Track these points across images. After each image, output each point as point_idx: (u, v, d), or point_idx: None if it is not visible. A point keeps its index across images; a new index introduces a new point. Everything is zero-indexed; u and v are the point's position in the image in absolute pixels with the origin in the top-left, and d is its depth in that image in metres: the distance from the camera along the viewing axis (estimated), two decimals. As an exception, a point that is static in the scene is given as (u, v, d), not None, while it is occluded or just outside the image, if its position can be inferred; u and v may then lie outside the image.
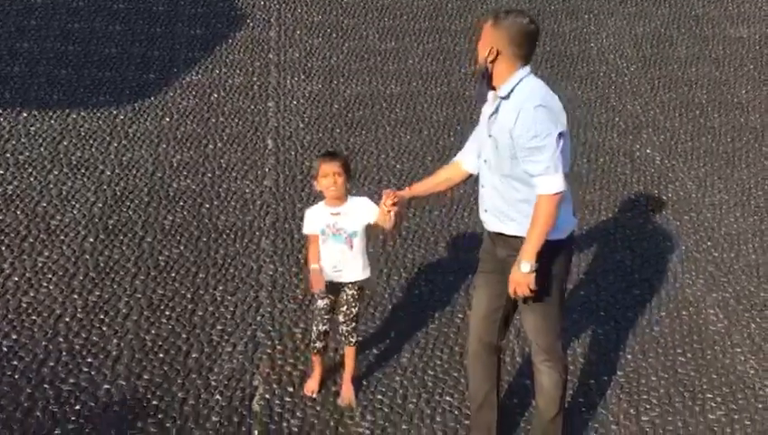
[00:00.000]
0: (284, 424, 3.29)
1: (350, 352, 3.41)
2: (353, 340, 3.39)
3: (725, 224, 4.89)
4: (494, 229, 2.98)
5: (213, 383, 3.46)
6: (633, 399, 3.59)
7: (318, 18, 6.42)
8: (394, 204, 3.15)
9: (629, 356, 3.84)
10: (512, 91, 2.83)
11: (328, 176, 3.26)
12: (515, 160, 2.83)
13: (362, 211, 3.31)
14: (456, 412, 3.43)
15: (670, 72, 6.32)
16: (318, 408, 3.39)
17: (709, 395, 3.63)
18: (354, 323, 3.37)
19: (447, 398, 3.51)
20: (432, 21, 6.59)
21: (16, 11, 5.99)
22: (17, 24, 5.87)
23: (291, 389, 3.48)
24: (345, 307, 3.36)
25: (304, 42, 6.21)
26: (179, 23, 6.19)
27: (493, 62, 2.83)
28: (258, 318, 3.89)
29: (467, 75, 6.07)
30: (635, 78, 6.22)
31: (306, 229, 3.37)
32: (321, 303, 3.35)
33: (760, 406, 3.58)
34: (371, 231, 3.41)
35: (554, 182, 2.79)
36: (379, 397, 3.48)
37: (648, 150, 5.52)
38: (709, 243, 4.72)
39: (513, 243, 2.90)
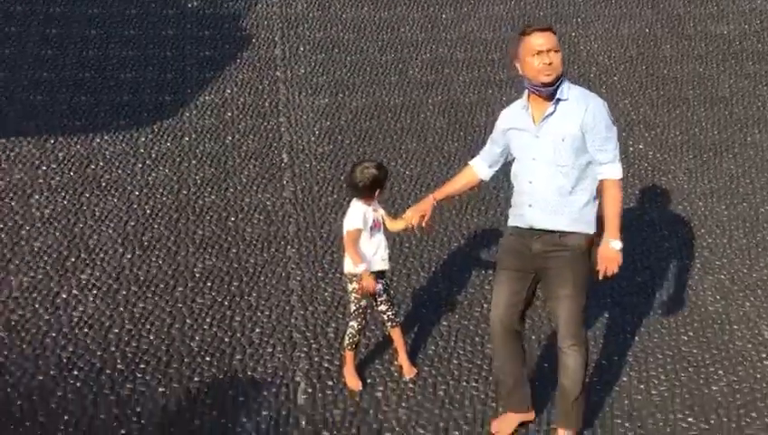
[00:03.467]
0: (327, 414, 3.59)
1: (397, 332, 3.78)
2: (399, 320, 3.82)
3: (716, 211, 5.23)
4: (539, 225, 3.30)
5: (259, 381, 3.76)
6: (642, 376, 3.91)
7: (320, 35, 6.73)
8: (422, 217, 3.54)
9: (637, 338, 4.17)
10: (568, 93, 3.26)
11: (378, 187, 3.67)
12: (579, 153, 3.23)
13: (378, 208, 3.75)
14: (483, 396, 3.74)
15: (657, 70, 6.67)
16: (357, 398, 3.69)
17: (711, 369, 3.96)
18: (395, 306, 3.80)
19: (473, 383, 3.82)
20: (428, 32, 6.91)
21: (33, 42, 6.26)
22: (35, 55, 6.14)
23: (330, 382, 3.78)
24: (385, 295, 3.71)
25: (309, 58, 6.52)
26: (188, 45, 6.47)
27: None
28: (292, 321, 4.19)
29: (465, 84, 6.39)
30: (624, 78, 6.56)
31: (355, 224, 3.63)
32: (365, 302, 3.69)
33: (758, 376, 3.91)
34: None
35: (620, 169, 3.28)
36: (411, 386, 3.79)
37: (640, 146, 5.86)
38: (702, 230, 5.06)
39: (555, 238, 3.24)
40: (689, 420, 3.60)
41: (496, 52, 6.68)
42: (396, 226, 3.73)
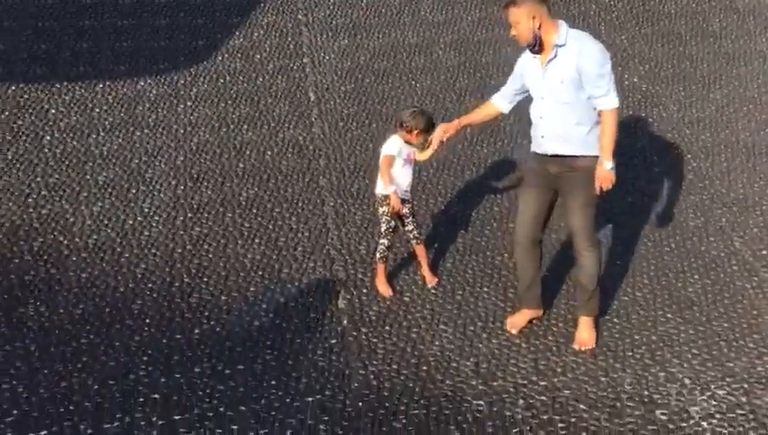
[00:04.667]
0: (364, 315, 4.29)
1: (421, 249, 4.47)
2: (422, 238, 4.52)
3: (702, 139, 5.82)
4: (552, 151, 3.92)
5: (305, 290, 4.45)
6: (629, 281, 4.59)
7: (337, -22, 7.17)
8: (448, 135, 4.16)
9: (627, 249, 4.83)
10: (566, 38, 3.80)
11: (420, 140, 4.28)
12: (579, 90, 3.79)
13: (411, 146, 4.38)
14: (494, 299, 4.42)
15: (652, 6, 7.12)
16: (388, 302, 4.39)
17: (689, 274, 4.62)
18: (419, 227, 4.50)
19: (485, 289, 4.49)
20: (438, -27, 7.33)
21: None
22: (77, 3, 6.61)
23: (364, 290, 4.47)
24: (411, 217, 4.38)
25: (327, 1, 6.98)
26: (216, -9, 6.94)
27: (539, 27, 3.74)
28: (329, 240, 4.85)
29: (474, 22, 6.87)
30: (621, 14, 7.03)
31: (391, 151, 4.28)
32: (393, 223, 4.35)
33: (727, 280, 4.55)
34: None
35: (615, 99, 3.82)
36: (433, 292, 4.47)
37: (635, 79, 6.39)
38: (689, 155, 5.66)
39: (567, 161, 3.87)
40: (668, 315, 4.29)
41: (502, -9, 7.13)
42: (424, 155, 4.35)
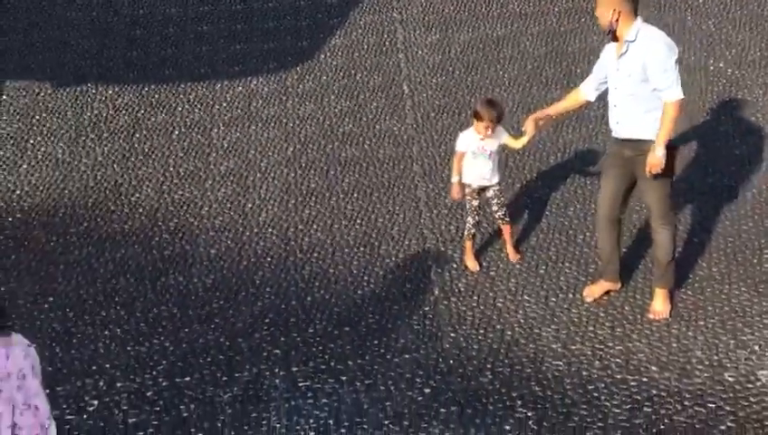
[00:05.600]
0: (454, 286, 4.79)
1: (507, 228, 4.93)
2: (508, 219, 4.91)
3: (786, 121, 5.95)
4: (625, 136, 4.29)
5: (401, 265, 4.99)
6: (706, 256, 4.85)
7: (429, -23, 7.63)
8: (539, 125, 4.54)
9: (705, 226, 5.09)
10: (636, 35, 4.15)
11: (488, 127, 4.68)
12: (645, 83, 4.15)
13: (500, 138, 4.74)
14: (575, 274, 4.80)
15: (741, -10, 7.19)
16: (476, 276, 4.86)
17: (766, 251, 4.84)
18: (505, 209, 4.89)
19: (567, 265, 4.89)
20: (526, -33, 7.66)
21: (192, 0, 7.50)
22: (195, 10, 7.39)
23: (454, 265, 4.96)
24: (496, 199, 4.83)
25: (420, -1, 7.46)
26: (317, -6, 7.56)
27: (617, 20, 4.12)
28: (422, 221, 5.37)
29: (560, 13, 7.18)
30: (708, 0, 7.15)
31: (459, 147, 4.78)
32: (475, 202, 4.82)
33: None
34: (505, 148, 4.83)
35: (678, 91, 4.15)
36: (518, 267, 4.91)
37: (720, 64, 6.53)
38: (772, 137, 5.82)
39: (639, 144, 4.23)
40: (742, 289, 4.55)
41: (589, -18, 7.38)
42: (518, 143, 4.75)
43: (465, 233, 4.93)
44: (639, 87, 4.19)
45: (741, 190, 5.40)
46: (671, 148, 4.24)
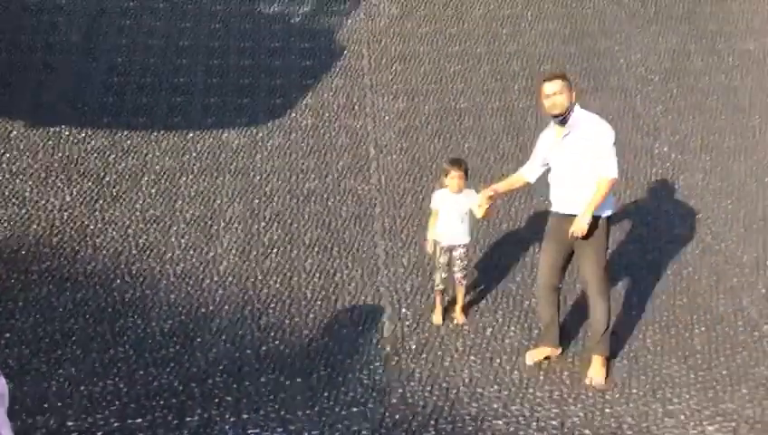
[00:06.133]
0: (405, 344, 4.99)
1: (461, 290, 5.17)
2: (465, 281, 5.17)
3: (723, 206, 6.38)
4: (566, 211, 4.61)
5: (356, 320, 5.19)
6: (641, 328, 5.16)
7: (400, 48, 8.06)
8: (491, 198, 4.84)
9: (641, 302, 5.41)
10: (578, 119, 4.55)
11: (454, 178, 4.97)
12: (586, 162, 4.50)
13: (471, 199, 5.04)
14: (519, 337, 5.06)
15: (687, 81, 7.75)
16: (426, 334, 5.08)
17: (696, 327, 5.17)
18: (465, 271, 5.14)
19: (512, 328, 5.14)
20: (490, 46, 8.14)
21: (170, 52, 7.78)
22: (174, 63, 7.66)
23: (407, 322, 5.18)
24: (460, 260, 5.09)
25: (390, 68, 7.86)
26: (293, 56, 7.90)
27: (571, 107, 4.52)
28: (379, 278, 5.60)
29: (519, 91, 7.64)
30: (657, 88, 7.68)
31: (433, 205, 5.11)
32: (443, 260, 5.08)
33: (733, 334, 5.09)
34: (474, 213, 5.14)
35: (614, 171, 4.53)
36: (467, 328, 5.14)
37: (665, 148, 7.01)
38: (708, 220, 6.23)
39: None
40: (672, 361, 4.85)
41: (548, 63, 7.88)
42: (478, 214, 4.98)
43: (435, 288, 5.18)
44: (581, 166, 4.54)
45: (677, 268, 5.76)
46: (607, 220, 4.57)
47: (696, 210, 6.35)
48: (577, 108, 4.60)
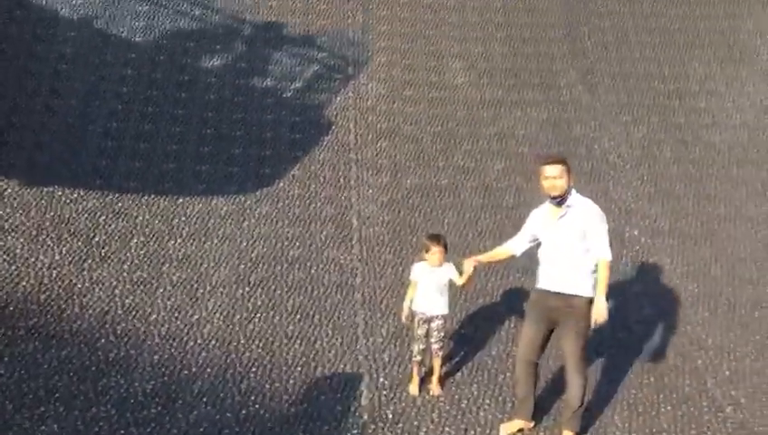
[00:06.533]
0: (383, 413, 5.12)
1: (437, 361, 5.34)
2: (441, 353, 5.33)
3: (689, 289, 6.68)
4: (556, 289, 4.84)
5: (335, 387, 5.32)
6: (611, 404, 5.34)
7: (385, 125, 8.42)
8: (476, 268, 5.06)
9: (612, 379, 5.61)
10: (575, 201, 4.87)
11: (435, 253, 5.20)
12: (581, 243, 4.78)
13: (450, 272, 5.26)
14: (492, 410, 5.21)
15: (656, 169, 8.16)
16: (403, 404, 5.22)
17: (662, 407, 5.37)
18: (442, 343, 5.30)
19: (487, 401, 5.30)
20: (470, 127, 8.51)
21: (165, 120, 8.06)
22: (167, 131, 7.93)
23: (384, 392, 5.32)
24: (437, 332, 5.27)
25: (375, 144, 8.20)
26: (283, 128, 8.21)
27: (569, 189, 4.83)
28: (358, 347, 5.76)
29: (498, 171, 7.99)
30: (628, 174, 8.08)
31: (413, 276, 5.31)
32: (420, 331, 5.27)
33: (696, 412, 5.30)
34: (453, 285, 5.35)
35: (609, 253, 4.83)
36: (442, 400, 5.29)
37: (635, 232, 7.35)
38: (675, 302, 6.51)
39: (567, 298, 4.80)
40: (640, 438, 5.04)
41: (525, 146, 8.27)
42: (460, 280, 5.24)
43: (413, 359, 5.34)
44: (576, 247, 4.82)
45: (645, 348, 5.99)
46: (591, 301, 4.82)
47: (664, 292, 6.63)
48: (573, 191, 4.91)
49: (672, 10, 9.68)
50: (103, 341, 5.51)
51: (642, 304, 6.49)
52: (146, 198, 7.10)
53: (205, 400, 5.06)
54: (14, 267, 6.08)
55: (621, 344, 6.00)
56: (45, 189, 6.89)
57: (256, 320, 5.93)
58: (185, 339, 5.65)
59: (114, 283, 6.12)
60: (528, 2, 9.53)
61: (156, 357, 5.41)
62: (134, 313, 5.86)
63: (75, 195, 6.94)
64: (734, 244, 7.25)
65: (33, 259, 6.20)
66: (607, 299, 4.81)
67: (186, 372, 5.32)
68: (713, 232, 7.40)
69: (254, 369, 5.43)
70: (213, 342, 5.66)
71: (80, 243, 6.45)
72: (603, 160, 8.23)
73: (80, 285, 6.02)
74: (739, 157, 8.29)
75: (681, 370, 5.76)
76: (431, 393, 5.30)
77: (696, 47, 9.27)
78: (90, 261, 6.28)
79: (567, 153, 8.21)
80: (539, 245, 5.06)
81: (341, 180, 7.69)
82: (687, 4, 9.70)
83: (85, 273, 6.15)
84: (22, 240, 6.37)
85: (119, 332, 5.63)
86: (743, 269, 6.94)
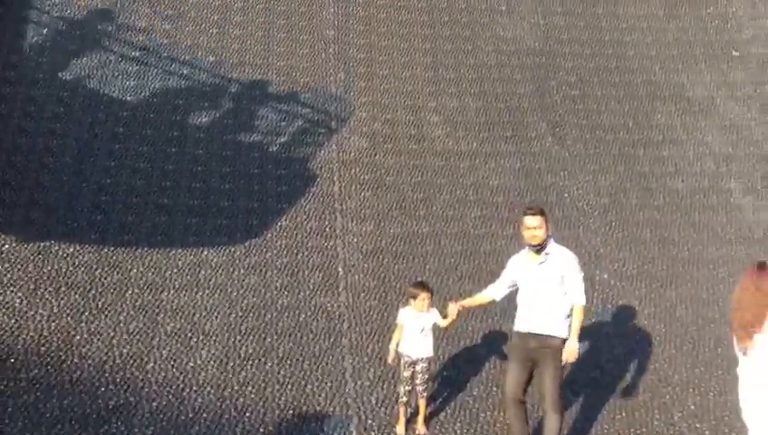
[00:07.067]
0: (372, 453, 5.42)
1: (422, 403, 5.66)
2: (426, 394, 5.65)
3: (656, 329, 7.10)
4: (536, 331, 5.22)
5: (324, 429, 5.61)
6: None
7: (368, 176, 8.83)
8: (460, 313, 5.45)
9: (586, 416, 5.96)
10: (553, 249, 5.27)
11: (424, 299, 5.55)
12: (560, 286, 5.18)
13: (434, 316, 5.63)
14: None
15: (623, 215, 8.64)
16: (391, 444, 5.52)
17: None
18: (426, 385, 5.63)
19: None
20: (449, 177, 8.96)
21: (155, 175, 8.40)
22: (158, 185, 8.27)
23: (373, 432, 5.62)
24: (422, 374, 5.60)
25: (359, 194, 8.59)
26: (269, 181, 8.57)
27: (548, 238, 5.23)
28: (346, 390, 6.07)
29: (475, 219, 8.42)
30: (597, 220, 8.55)
31: (399, 320, 5.66)
32: (406, 373, 5.60)
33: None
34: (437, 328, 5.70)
35: (584, 298, 5.27)
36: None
37: (605, 275, 7.78)
38: (644, 342, 6.92)
39: (545, 339, 5.20)
40: (614, 471, 5.38)
41: (500, 195, 8.72)
42: (444, 323, 5.61)
43: (399, 400, 5.65)
44: (554, 292, 5.24)
45: (618, 386, 6.37)
46: (564, 342, 5.21)
47: (633, 333, 7.04)
48: (551, 240, 5.33)
49: (635, 64, 10.31)
50: (103, 389, 5.76)
51: (613, 344, 6.89)
52: (139, 250, 7.40)
53: (202, 444, 5.32)
54: (13, 321, 6.33)
55: (594, 383, 6.37)
56: (42, 245, 7.16)
57: (249, 367, 6.21)
58: (181, 386, 5.91)
59: (112, 333, 6.38)
60: (499, 59, 10.10)
61: (154, 404, 5.67)
62: (132, 362, 6.11)
63: (71, 249, 7.21)
64: (697, 286, 7.71)
65: (32, 312, 6.45)
66: (579, 341, 5.19)
67: (183, 417, 5.58)
68: (677, 275, 7.86)
69: (247, 414, 5.70)
70: (208, 388, 5.93)
71: (77, 296, 6.72)
72: (573, 208, 8.70)
73: (78, 337, 6.28)
74: (700, 203, 8.81)
75: (650, 405, 6.14)
76: (417, 433, 5.61)
77: (657, 99, 9.87)
78: (87, 313, 6.54)
79: (538, 201, 8.69)
80: (517, 290, 5.46)
81: (327, 230, 8.05)
82: (648, 59, 10.35)
83: (83, 324, 6.41)
84: (20, 294, 6.62)
85: (118, 380, 5.88)
86: (705, 310, 7.38)
